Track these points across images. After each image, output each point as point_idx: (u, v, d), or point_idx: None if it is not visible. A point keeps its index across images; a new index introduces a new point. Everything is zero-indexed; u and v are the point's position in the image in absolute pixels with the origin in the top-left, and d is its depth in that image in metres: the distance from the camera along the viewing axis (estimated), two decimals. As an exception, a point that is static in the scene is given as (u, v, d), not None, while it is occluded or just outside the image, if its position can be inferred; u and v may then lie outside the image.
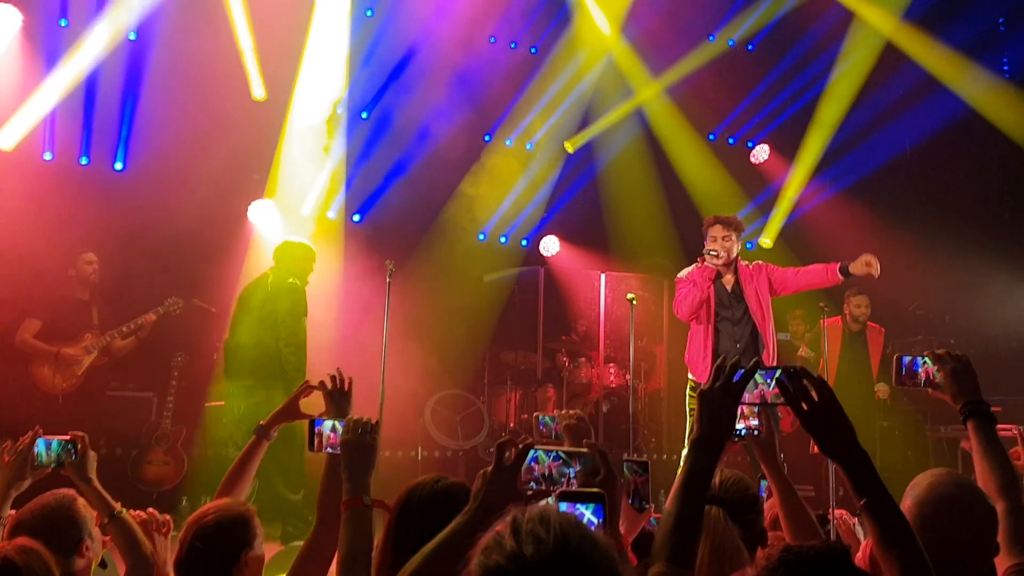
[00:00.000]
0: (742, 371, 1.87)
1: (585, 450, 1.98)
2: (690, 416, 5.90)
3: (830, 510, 3.85)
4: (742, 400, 1.88)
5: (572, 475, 1.88)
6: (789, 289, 6.04)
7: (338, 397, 2.76)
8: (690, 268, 5.97)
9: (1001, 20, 10.33)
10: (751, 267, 6.04)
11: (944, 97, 9.62)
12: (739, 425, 2.49)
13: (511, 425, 8.79)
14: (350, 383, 2.80)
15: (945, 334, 9.73)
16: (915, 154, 10.27)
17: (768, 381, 1.95)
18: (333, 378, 2.79)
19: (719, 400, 1.83)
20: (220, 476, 6.62)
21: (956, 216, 9.90)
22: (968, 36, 9.64)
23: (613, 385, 9.46)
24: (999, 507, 2.14)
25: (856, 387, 7.49)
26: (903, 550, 1.75)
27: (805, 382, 1.87)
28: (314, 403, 2.90)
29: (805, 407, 1.84)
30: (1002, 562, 2.10)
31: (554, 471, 1.89)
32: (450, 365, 8.76)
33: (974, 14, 9.76)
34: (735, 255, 5.94)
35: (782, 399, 1.91)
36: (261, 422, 3.06)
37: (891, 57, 9.86)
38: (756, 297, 5.90)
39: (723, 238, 5.86)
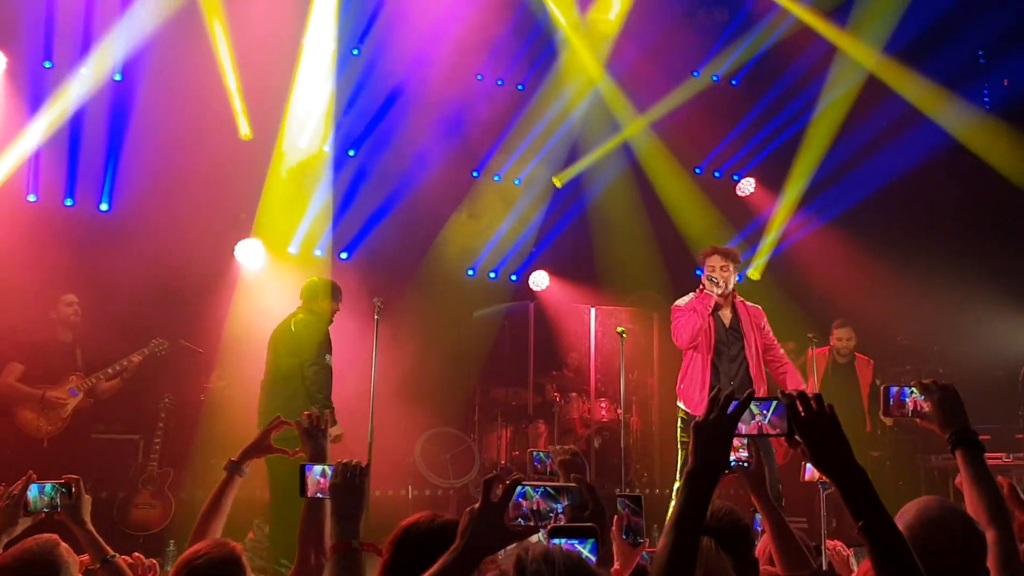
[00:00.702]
0: (737, 402, 1.87)
1: (573, 484, 1.96)
2: (682, 449, 5.85)
3: (823, 541, 3.83)
4: (737, 432, 1.88)
5: (560, 510, 1.86)
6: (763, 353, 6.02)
7: (314, 434, 2.77)
8: (688, 296, 5.96)
9: (980, 53, 10.50)
10: (750, 307, 6.06)
11: (926, 129, 9.76)
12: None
13: (502, 462, 8.73)
14: (327, 422, 2.82)
15: (933, 363, 9.77)
16: (899, 185, 10.34)
17: (764, 412, 1.94)
18: (309, 416, 2.79)
19: (713, 432, 1.84)
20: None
21: (941, 246, 9.98)
22: (948, 69, 9.79)
23: (605, 420, 9.43)
24: (989, 535, 2.15)
25: (843, 418, 7.44)
26: (901, 570, 1.75)
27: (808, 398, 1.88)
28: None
29: (805, 421, 1.85)
30: None
31: (542, 507, 1.87)
32: (440, 402, 8.71)
33: (954, 47, 9.92)
34: (731, 287, 5.95)
35: (777, 430, 1.91)
36: (232, 458, 3.00)
37: (874, 90, 10.00)
38: (753, 335, 5.91)
39: (721, 268, 5.87)
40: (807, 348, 7.88)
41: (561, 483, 1.97)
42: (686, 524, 1.76)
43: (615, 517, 2.52)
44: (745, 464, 2.54)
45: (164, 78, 7.75)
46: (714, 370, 5.82)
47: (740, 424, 1.89)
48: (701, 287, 5.88)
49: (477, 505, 1.83)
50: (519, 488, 1.86)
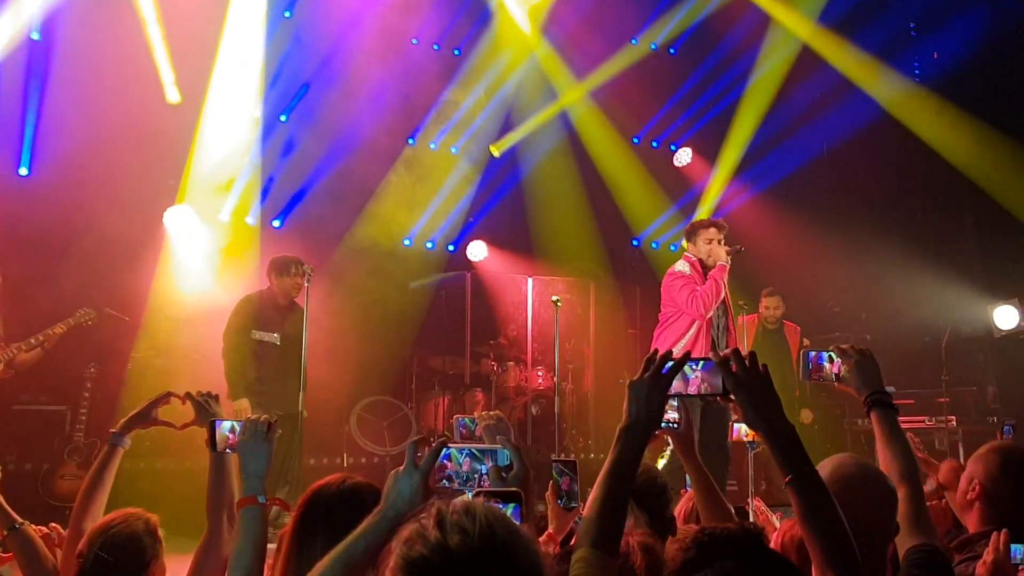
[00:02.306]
0: (672, 363, 1.90)
1: (498, 446, 1.98)
2: None
3: (748, 502, 3.93)
4: (674, 390, 1.92)
5: (484, 472, 1.89)
6: None
7: (204, 407, 2.81)
8: (684, 264, 6.17)
9: (912, 25, 10.70)
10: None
11: (858, 100, 9.95)
12: None
13: (439, 430, 8.77)
14: (216, 397, 2.88)
15: (861, 330, 10.04)
16: (832, 155, 10.58)
17: (697, 371, 1.98)
18: (200, 393, 2.85)
19: (647, 390, 1.86)
20: (135, 489, 6.47)
21: (871, 216, 10.24)
22: (880, 40, 9.98)
23: (542, 388, 9.51)
24: (901, 492, 2.24)
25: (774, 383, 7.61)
26: (827, 524, 1.81)
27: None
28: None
29: (736, 376, 1.89)
30: (903, 543, 2.20)
31: (467, 468, 1.89)
32: (376, 371, 8.70)
33: (886, 18, 10.11)
34: None
35: (711, 389, 1.95)
36: (112, 429, 2.99)
37: (807, 60, 10.15)
38: (730, 307, 6.25)
39: (717, 241, 6.15)
40: (738, 315, 8.09)
41: (488, 445, 1.98)
42: (617, 478, 1.79)
43: (551, 482, 2.54)
44: (675, 425, 2.58)
45: (86, 37, 7.48)
46: (711, 338, 6.02)
47: (675, 383, 1.92)
48: (694, 257, 6.15)
49: (402, 467, 1.83)
50: (444, 450, 1.87)
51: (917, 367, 9.24)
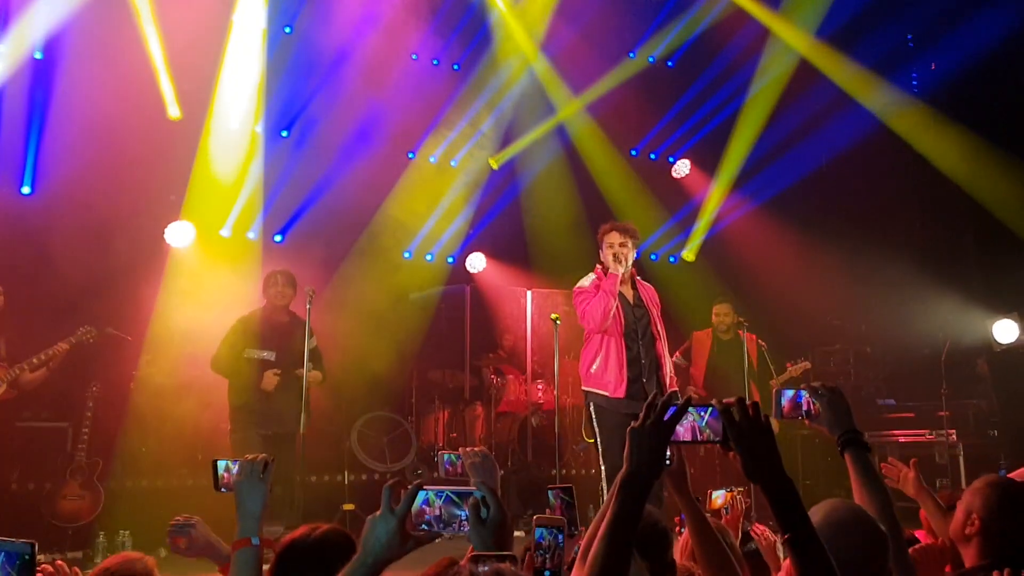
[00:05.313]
0: (675, 408, 1.87)
1: (473, 488, 1.94)
2: (601, 438, 5.66)
3: (751, 526, 3.93)
4: (675, 438, 1.90)
5: (464, 517, 1.86)
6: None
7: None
8: (590, 277, 5.84)
9: (909, 37, 10.80)
10: (646, 285, 6.03)
11: (856, 113, 10.05)
12: None
13: (439, 445, 8.80)
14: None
15: (861, 343, 10.14)
16: (830, 168, 10.66)
17: (701, 415, 1.95)
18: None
19: (650, 438, 1.83)
20: (138, 510, 6.54)
21: (870, 229, 10.32)
22: (878, 53, 10.07)
23: (541, 401, 9.55)
24: None
25: (732, 391, 7.55)
26: None
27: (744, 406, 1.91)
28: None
29: (739, 426, 1.87)
30: None
31: (444, 513, 1.87)
32: (376, 386, 8.72)
33: (884, 31, 10.20)
34: (631, 264, 5.86)
35: (712, 436, 1.92)
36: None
37: (805, 74, 10.24)
38: (653, 310, 5.89)
39: (620, 244, 5.74)
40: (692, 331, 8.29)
41: (465, 487, 1.94)
42: (620, 532, 1.77)
43: (547, 510, 2.52)
44: (667, 463, 2.46)
45: (88, 56, 7.54)
46: (628, 351, 5.70)
47: (678, 429, 1.88)
48: (601, 267, 5.81)
49: (378, 512, 1.83)
50: (422, 494, 1.85)
51: (917, 380, 9.30)
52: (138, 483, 7.08)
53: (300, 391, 6.44)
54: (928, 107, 10.05)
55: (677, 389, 6.01)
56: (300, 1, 8.93)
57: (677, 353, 8.26)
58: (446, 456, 3.08)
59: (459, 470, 2.97)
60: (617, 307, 5.70)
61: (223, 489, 2.48)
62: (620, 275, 5.71)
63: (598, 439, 5.69)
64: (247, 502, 2.33)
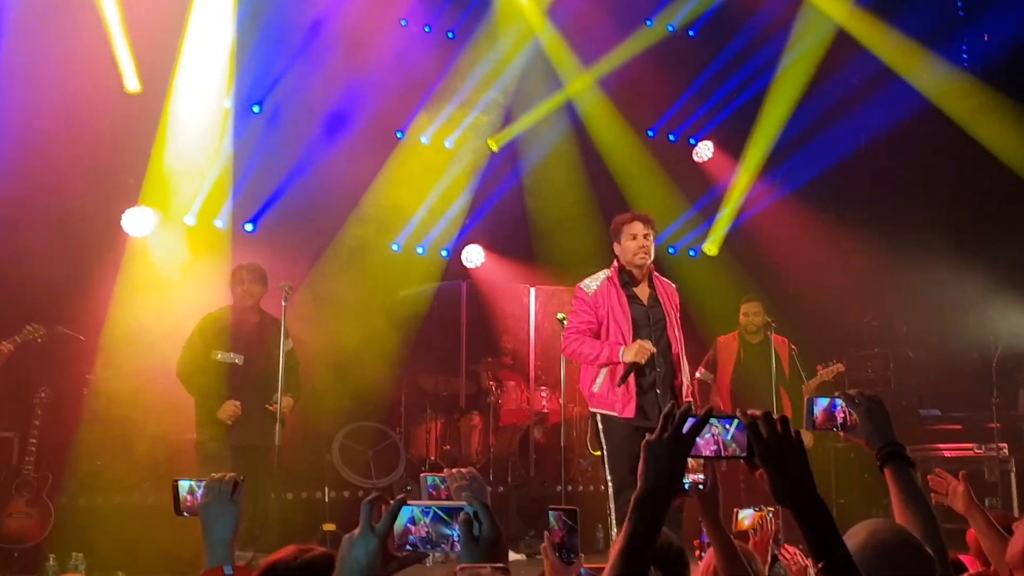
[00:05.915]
0: (695, 420, 1.85)
1: (463, 504, 1.93)
2: (596, 451, 5.71)
3: (780, 548, 3.90)
4: (695, 452, 1.88)
5: (455, 537, 1.84)
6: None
7: None
8: (602, 275, 5.70)
9: (960, 4, 10.73)
10: (665, 282, 5.87)
11: (899, 90, 9.97)
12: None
13: (431, 459, 8.77)
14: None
15: (902, 347, 10.08)
16: (869, 152, 10.58)
17: (726, 427, 1.93)
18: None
19: (668, 453, 1.82)
20: (91, 529, 6.49)
21: (913, 220, 10.24)
22: (925, 23, 9.99)
23: (545, 411, 9.50)
24: None
25: (768, 396, 7.48)
26: None
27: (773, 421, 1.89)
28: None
29: (767, 443, 1.85)
30: None
31: (432, 532, 1.85)
32: (361, 394, 8.69)
33: (931, -1, 10.15)
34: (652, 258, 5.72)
35: (736, 452, 1.90)
36: None
37: (843, 46, 10.17)
38: (673, 313, 5.73)
39: (644, 236, 5.62)
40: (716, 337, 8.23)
41: (454, 503, 1.92)
42: (634, 553, 1.76)
43: (546, 533, 2.52)
44: (700, 486, 2.55)
45: (34, 21, 7.46)
46: (655, 380, 5.55)
47: (698, 442, 1.87)
48: (618, 262, 5.68)
49: (356, 531, 1.81)
50: (406, 511, 1.83)
51: (964, 388, 9.27)
52: (92, 500, 7.05)
53: (273, 399, 6.40)
54: (981, 83, 9.99)
55: (692, 400, 5.90)
56: (275, -41, 8.85)
57: (701, 368, 8.16)
58: (429, 479, 3.05)
59: (444, 495, 2.94)
60: (625, 312, 5.57)
61: (185, 513, 2.45)
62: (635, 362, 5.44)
63: (604, 452, 5.61)
64: (215, 527, 2.30)
